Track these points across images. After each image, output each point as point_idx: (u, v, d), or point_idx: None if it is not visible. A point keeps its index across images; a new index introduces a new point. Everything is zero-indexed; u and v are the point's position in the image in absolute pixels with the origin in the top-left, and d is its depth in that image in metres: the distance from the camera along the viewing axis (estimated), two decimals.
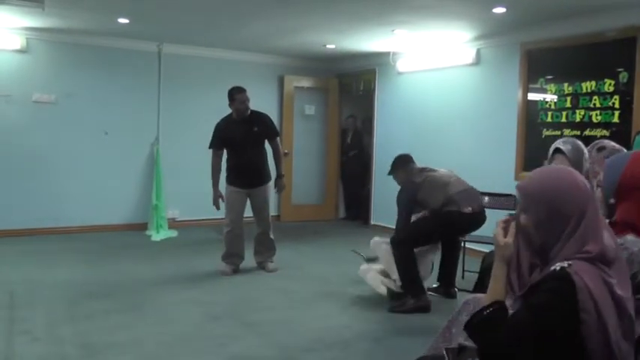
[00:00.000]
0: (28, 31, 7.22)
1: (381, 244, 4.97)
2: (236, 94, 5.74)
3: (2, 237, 7.08)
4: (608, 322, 1.74)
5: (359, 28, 6.59)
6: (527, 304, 1.83)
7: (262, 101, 8.71)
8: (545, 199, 1.88)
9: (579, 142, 2.83)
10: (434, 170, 4.98)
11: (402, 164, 5.08)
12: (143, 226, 7.93)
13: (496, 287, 1.96)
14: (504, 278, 1.96)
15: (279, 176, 5.97)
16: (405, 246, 4.69)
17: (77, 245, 6.95)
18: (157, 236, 7.60)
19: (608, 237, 1.86)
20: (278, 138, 6.01)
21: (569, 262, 1.79)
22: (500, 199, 5.76)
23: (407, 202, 4.88)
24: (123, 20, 6.59)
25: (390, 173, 5.11)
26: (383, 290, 4.86)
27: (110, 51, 7.82)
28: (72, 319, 4.36)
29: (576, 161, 2.76)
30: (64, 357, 3.69)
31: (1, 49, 7.18)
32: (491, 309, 1.89)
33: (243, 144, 5.77)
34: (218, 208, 5.85)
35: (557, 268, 1.79)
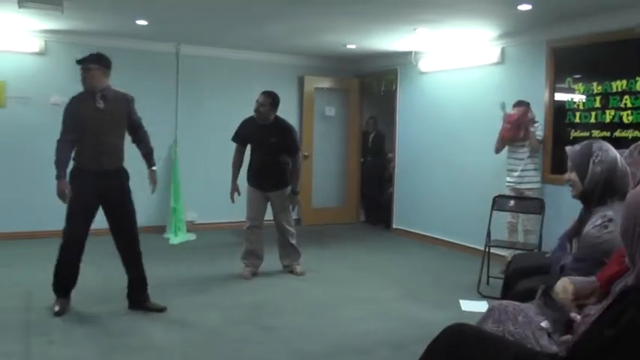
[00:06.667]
0: (47, 34, 7.23)
1: None
2: (259, 96, 5.69)
3: (20, 239, 7.07)
4: None
5: (380, 27, 6.48)
6: None
7: (282, 102, 8.62)
8: None
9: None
10: None
11: None
12: (161, 229, 7.85)
13: None
14: None
15: (293, 192, 5.82)
16: None
17: (94, 248, 6.85)
18: (175, 239, 7.55)
19: None
20: (299, 154, 5.88)
21: None
22: (527, 203, 5.59)
23: None
24: (141, 22, 6.56)
25: None
26: None
27: (128, 53, 7.76)
28: (88, 322, 4.32)
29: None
30: (80, 359, 3.66)
31: (20, 52, 7.21)
32: None
33: (259, 148, 5.72)
34: (233, 201, 5.78)
35: None
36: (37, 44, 7.23)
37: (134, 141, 4.79)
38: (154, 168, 4.85)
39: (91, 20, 6.52)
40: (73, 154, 4.49)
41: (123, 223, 4.61)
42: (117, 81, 7.60)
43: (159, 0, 5.57)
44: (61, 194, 4.43)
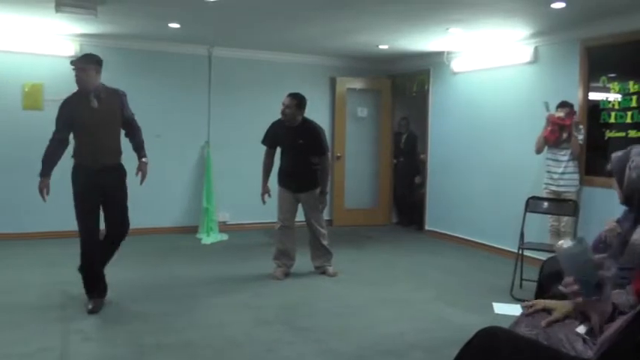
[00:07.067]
0: (82, 38, 7.37)
1: None
2: (285, 98, 5.69)
3: (59, 238, 7.16)
4: None
5: (412, 27, 6.45)
6: None
7: (314, 103, 8.65)
8: None
9: None
10: None
11: None
12: (194, 229, 7.95)
13: None
14: None
15: (321, 192, 5.80)
16: None
17: (126, 248, 6.98)
18: (207, 239, 7.63)
19: None
20: (328, 154, 5.82)
21: None
22: (561, 205, 5.50)
23: None
24: (174, 25, 6.63)
25: None
26: None
27: (161, 55, 7.90)
28: (123, 320, 4.39)
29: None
30: (115, 357, 3.72)
31: (56, 55, 7.34)
32: None
33: (288, 150, 5.76)
34: (264, 202, 5.83)
35: None
36: (72, 48, 7.37)
37: (127, 135, 4.84)
38: (144, 160, 4.88)
39: (124, 24, 6.62)
40: (71, 153, 4.60)
41: (113, 212, 4.71)
42: (150, 83, 7.84)
43: (191, 3, 5.62)
44: (41, 192, 4.53)
